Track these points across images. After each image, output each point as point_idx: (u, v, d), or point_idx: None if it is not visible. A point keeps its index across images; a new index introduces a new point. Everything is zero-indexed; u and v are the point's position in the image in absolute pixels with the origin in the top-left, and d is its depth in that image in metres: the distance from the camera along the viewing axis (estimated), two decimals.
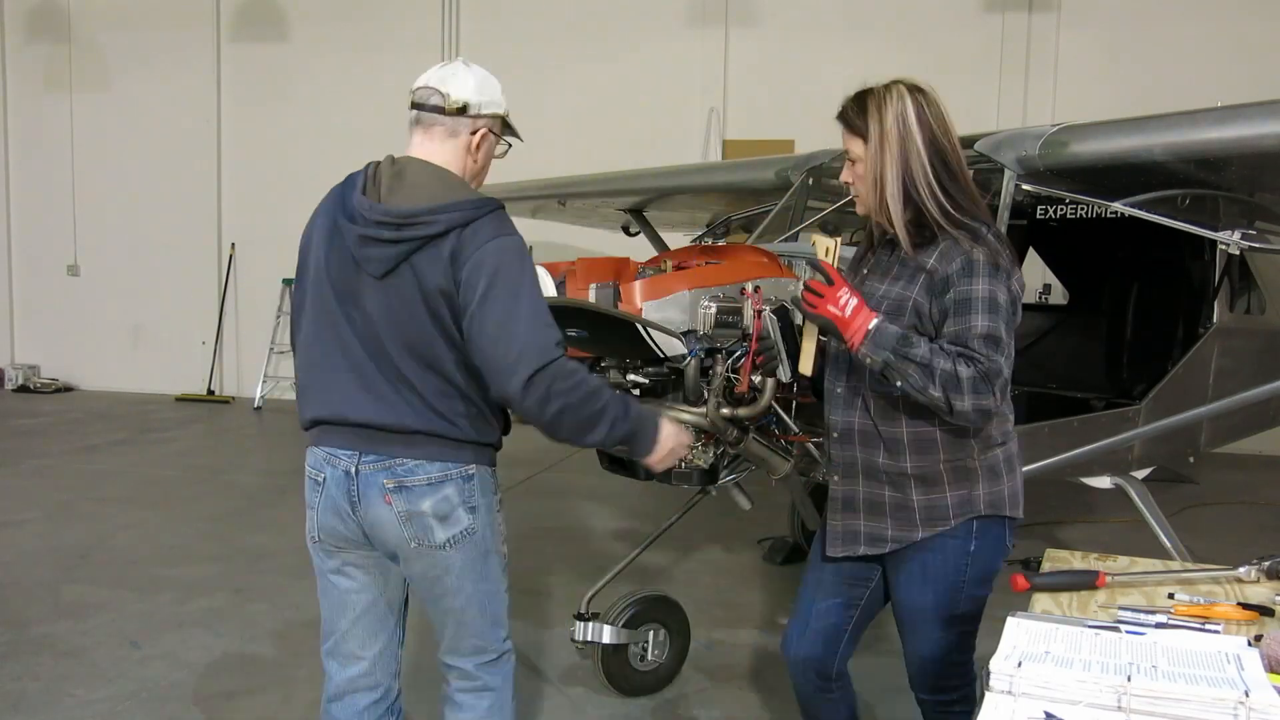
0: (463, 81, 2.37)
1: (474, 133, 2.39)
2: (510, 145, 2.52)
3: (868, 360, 2.27)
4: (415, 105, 2.40)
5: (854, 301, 2.27)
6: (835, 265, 2.35)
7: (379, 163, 2.38)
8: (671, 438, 2.49)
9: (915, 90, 2.38)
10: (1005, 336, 2.25)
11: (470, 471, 2.37)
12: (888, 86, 2.39)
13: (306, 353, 2.45)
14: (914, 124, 2.33)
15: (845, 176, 2.48)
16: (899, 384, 2.25)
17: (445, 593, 2.44)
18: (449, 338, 2.28)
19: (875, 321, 2.25)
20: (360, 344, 2.33)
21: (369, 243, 2.29)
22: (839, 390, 2.49)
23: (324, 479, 2.40)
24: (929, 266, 2.33)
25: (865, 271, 2.51)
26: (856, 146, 2.40)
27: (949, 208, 2.32)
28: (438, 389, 2.31)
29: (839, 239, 2.43)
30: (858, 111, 2.39)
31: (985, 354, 2.21)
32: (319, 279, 2.39)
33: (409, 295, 2.27)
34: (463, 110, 2.36)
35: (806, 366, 2.52)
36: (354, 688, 2.54)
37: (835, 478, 2.53)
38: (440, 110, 2.37)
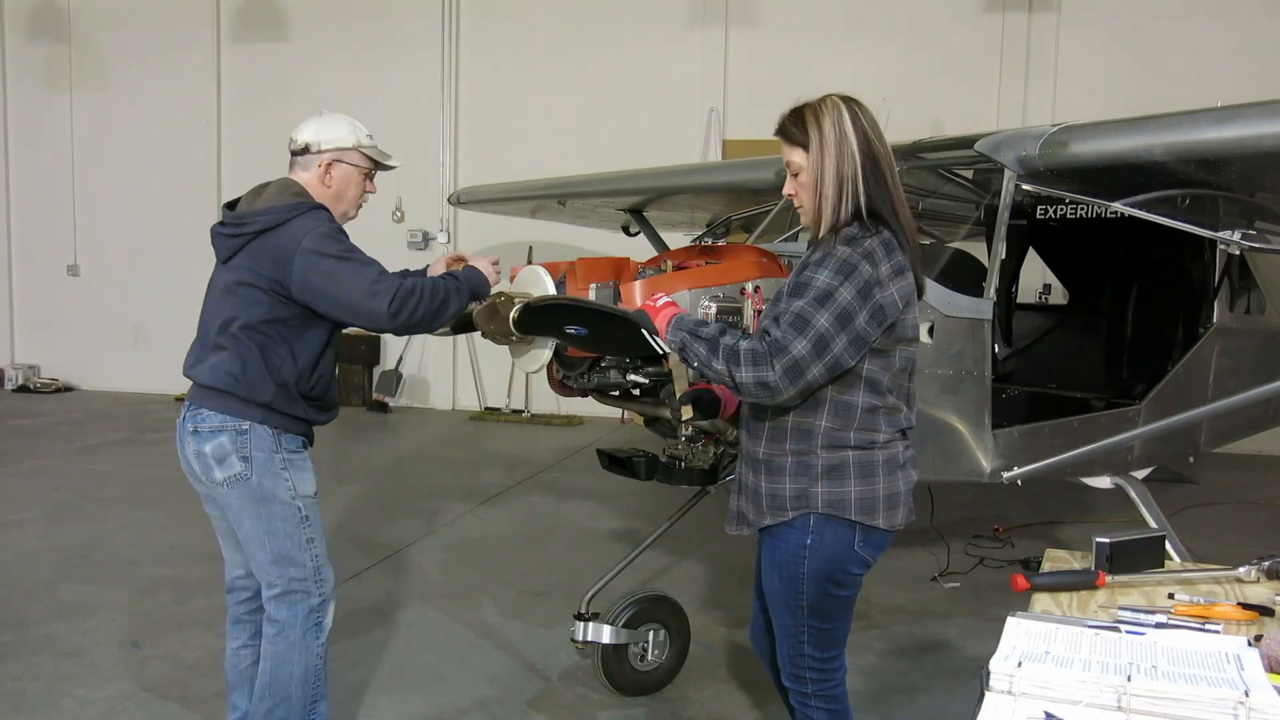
0: (307, 127, 3.11)
1: (320, 165, 3.07)
2: (367, 171, 3.15)
3: (671, 344, 2.50)
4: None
5: (664, 298, 2.62)
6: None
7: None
8: (483, 267, 3.13)
9: (849, 100, 2.49)
10: (825, 328, 2.30)
11: (244, 426, 2.93)
12: (822, 99, 2.50)
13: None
14: (849, 129, 2.44)
15: (788, 189, 2.57)
16: (694, 363, 2.44)
17: (234, 524, 3.05)
18: (252, 316, 2.92)
19: (678, 314, 2.52)
20: (205, 317, 3.04)
21: (217, 237, 3.04)
22: None
23: (176, 427, 3.08)
24: (805, 252, 2.50)
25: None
26: (798, 156, 2.50)
27: (862, 207, 2.42)
28: (231, 355, 2.93)
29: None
30: (796, 123, 2.50)
31: (782, 332, 2.31)
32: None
33: (235, 278, 2.95)
34: (305, 150, 3.09)
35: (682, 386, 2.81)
36: (232, 586, 3.28)
37: (739, 462, 2.70)
38: (293, 153, 3.12)
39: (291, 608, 3.03)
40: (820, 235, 2.45)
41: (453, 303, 2.98)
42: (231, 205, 3.08)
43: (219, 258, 3.04)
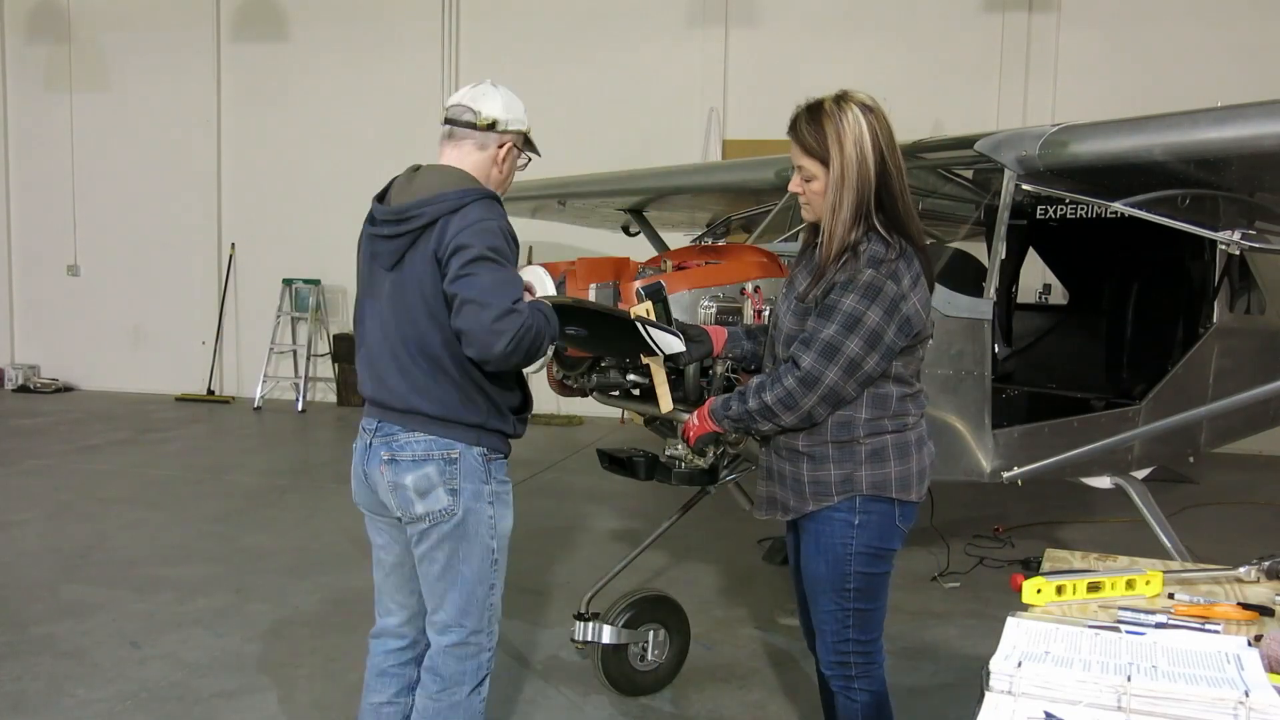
0: (492, 101, 2.69)
1: (500, 146, 2.70)
2: (529, 160, 2.85)
3: (727, 429, 2.64)
4: (448, 120, 2.71)
5: (690, 418, 2.71)
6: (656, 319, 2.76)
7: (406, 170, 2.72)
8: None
9: (866, 109, 2.47)
10: (855, 352, 2.41)
11: (454, 455, 2.61)
12: (841, 104, 2.47)
13: (357, 339, 2.83)
14: (869, 150, 2.44)
15: (796, 187, 2.58)
16: (751, 432, 2.60)
17: (422, 561, 2.70)
18: (438, 323, 2.55)
19: (709, 409, 2.63)
20: (379, 332, 2.66)
21: (377, 240, 2.65)
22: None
23: (355, 448, 2.81)
24: (829, 273, 2.50)
25: (798, 269, 2.69)
26: (812, 166, 2.51)
27: (876, 226, 2.46)
28: (428, 371, 2.59)
29: (647, 305, 2.80)
30: (815, 133, 2.48)
31: (813, 361, 2.42)
32: (359, 278, 2.78)
33: (408, 284, 2.58)
34: (492, 126, 2.67)
35: (666, 405, 2.87)
36: (386, 633, 2.89)
37: (762, 450, 2.75)
38: (472, 126, 2.67)
39: (462, 662, 2.72)
40: (834, 251, 2.48)
41: (544, 343, 2.55)
42: (381, 198, 2.70)
43: (382, 265, 2.64)
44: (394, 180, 2.71)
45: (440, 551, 2.66)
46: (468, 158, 2.68)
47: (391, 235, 2.59)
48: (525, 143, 2.79)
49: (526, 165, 2.86)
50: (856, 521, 2.56)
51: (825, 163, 2.47)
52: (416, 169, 2.70)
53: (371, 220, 2.68)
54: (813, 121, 2.49)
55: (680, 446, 3.32)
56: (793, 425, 2.50)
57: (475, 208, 2.52)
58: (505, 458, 2.76)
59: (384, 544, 2.85)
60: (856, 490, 2.55)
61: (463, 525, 2.64)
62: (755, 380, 2.55)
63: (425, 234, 2.53)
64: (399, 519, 2.71)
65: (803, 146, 2.51)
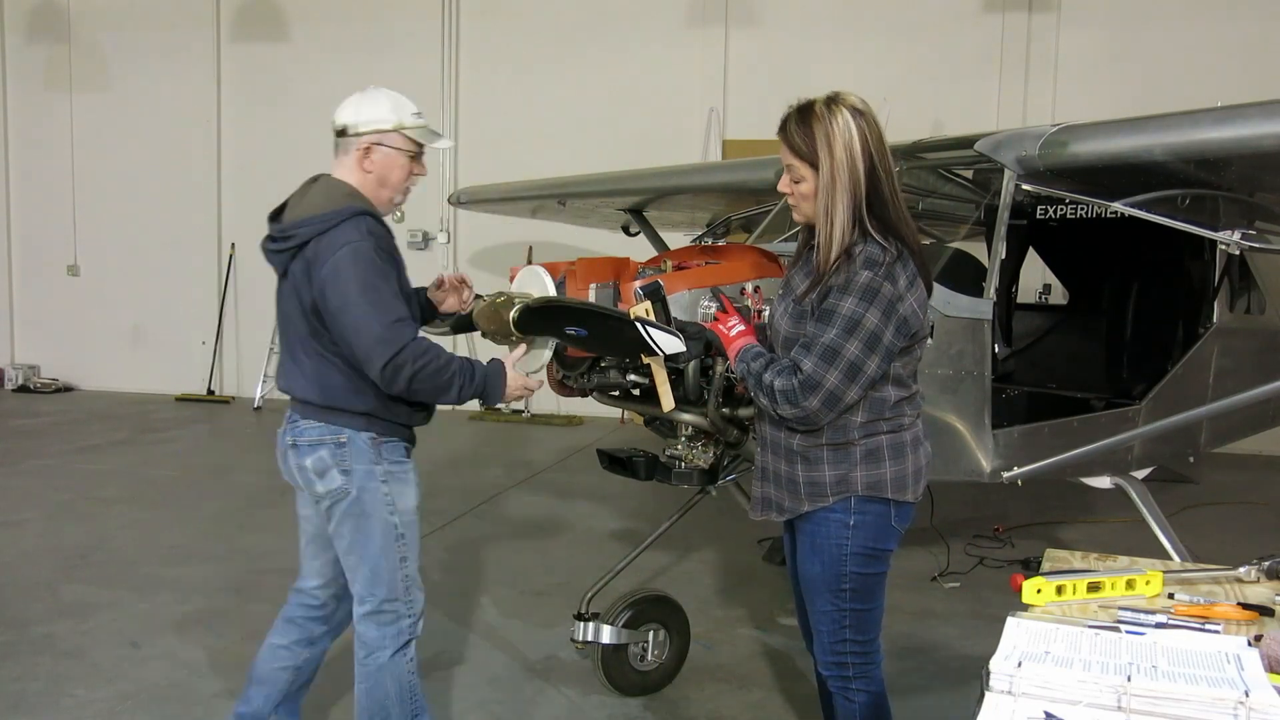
0: (346, 106, 2.95)
1: (358, 149, 2.88)
2: (414, 150, 2.95)
3: (739, 372, 2.61)
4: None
5: (739, 327, 2.66)
6: (657, 318, 2.74)
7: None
8: (514, 385, 2.94)
9: (857, 113, 2.49)
10: (856, 355, 2.40)
11: (342, 439, 2.85)
12: (832, 107, 2.48)
13: None
14: (859, 154, 2.46)
15: (785, 188, 2.60)
16: (753, 393, 2.54)
17: (333, 537, 2.97)
18: (321, 325, 2.79)
19: (746, 345, 2.61)
20: (281, 332, 2.98)
21: (268, 254, 2.92)
22: None
23: (277, 435, 3.07)
24: (825, 277, 2.49)
25: (794, 271, 2.69)
26: (802, 168, 2.52)
27: (870, 230, 2.46)
28: (317, 366, 2.85)
29: (646, 305, 2.75)
30: (804, 136, 2.49)
31: (813, 365, 2.40)
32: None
33: (292, 293, 2.86)
34: (342, 132, 2.91)
35: (667, 404, 2.86)
36: (304, 591, 3.21)
37: (758, 450, 2.75)
38: (335, 134, 2.94)
39: (381, 628, 2.96)
40: (832, 255, 2.47)
41: (453, 392, 2.82)
42: (279, 211, 2.95)
43: (277, 272, 2.93)
44: (292, 194, 2.96)
45: (345, 527, 2.91)
46: (342, 168, 2.92)
47: (277, 250, 2.87)
48: (403, 140, 2.91)
49: (417, 156, 2.96)
50: (852, 522, 2.56)
51: (814, 166, 2.49)
52: (314, 180, 2.94)
53: (268, 234, 2.94)
54: (803, 124, 2.50)
55: (680, 446, 3.33)
56: (790, 418, 2.49)
57: (341, 230, 2.73)
58: (403, 441, 2.98)
59: (306, 515, 3.13)
60: (852, 491, 2.55)
61: (359, 502, 2.87)
62: (775, 361, 2.53)
63: (300, 252, 2.79)
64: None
65: (792, 148, 2.52)
